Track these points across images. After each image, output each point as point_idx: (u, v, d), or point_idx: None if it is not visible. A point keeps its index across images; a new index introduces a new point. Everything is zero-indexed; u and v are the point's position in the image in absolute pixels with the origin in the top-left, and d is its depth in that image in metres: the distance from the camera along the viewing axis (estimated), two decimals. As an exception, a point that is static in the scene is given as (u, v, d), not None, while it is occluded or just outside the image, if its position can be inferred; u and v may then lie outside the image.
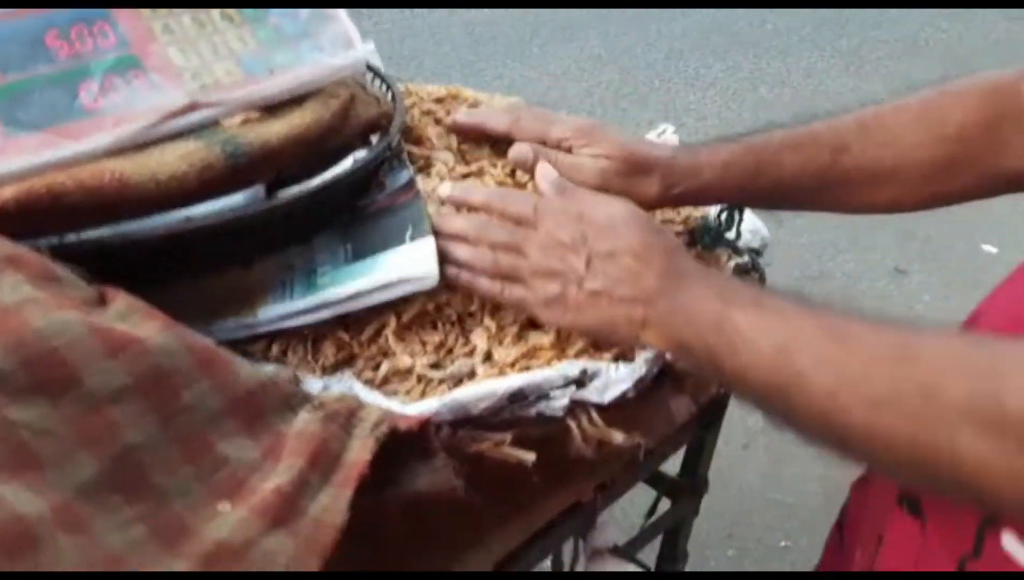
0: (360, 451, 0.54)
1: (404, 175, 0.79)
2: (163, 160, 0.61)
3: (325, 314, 0.67)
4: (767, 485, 1.85)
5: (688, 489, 0.92)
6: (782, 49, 3.83)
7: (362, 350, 0.69)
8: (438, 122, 0.88)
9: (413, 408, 0.61)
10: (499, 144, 0.84)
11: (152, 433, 0.50)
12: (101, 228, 0.59)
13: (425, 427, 0.57)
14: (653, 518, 0.96)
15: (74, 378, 0.48)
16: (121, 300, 0.54)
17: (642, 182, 0.76)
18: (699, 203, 0.84)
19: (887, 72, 3.65)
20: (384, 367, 0.67)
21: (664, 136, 0.96)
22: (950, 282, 2.58)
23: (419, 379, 0.67)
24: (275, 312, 0.67)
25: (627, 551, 0.87)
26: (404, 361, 0.68)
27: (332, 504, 0.51)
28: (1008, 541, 0.55)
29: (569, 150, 0.78)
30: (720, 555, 1.72)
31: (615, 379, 0.64)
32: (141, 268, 0.62)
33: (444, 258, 0.69)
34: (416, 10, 3.96)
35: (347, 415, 0.55)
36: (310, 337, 0.68)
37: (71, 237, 0.59)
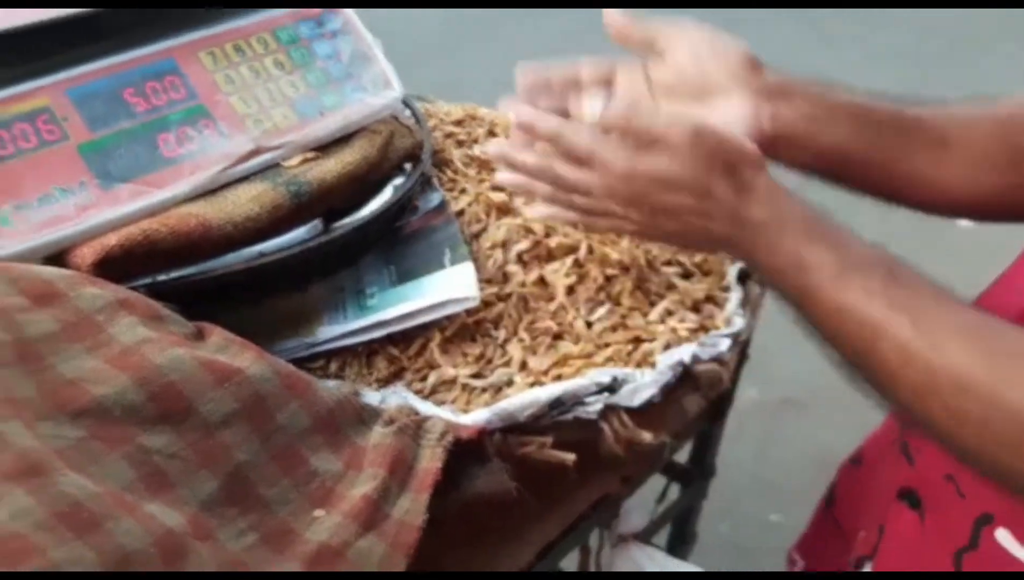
0: (431, 459, 0.62)
1: (435, 197, 0.86)
2: (237, 202, 0.68)
3: (378, 333, 0.75)
4: (759, 465, 1.94)
5: (698, 475, 1.00)
6: (756, 21, 3.86)
7: (411, 363, 0.76)
8: (460, 144, 0.95)
9: (468, 418, 0.69)
10: None
11: (255, 451, 0.58)
12: (187, 267, 0.67)
13: (482, 435, 0.65)
14: (664, 502, 1.04)
15: (191, 407, 0.56)
16: (217, 334, 0.61)
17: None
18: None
19: (863, 43, 3.70)
20: (431, 378, 0.75)
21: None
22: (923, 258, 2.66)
23: (463, 388, 0.75)
24: (333, 332, 0.75)
25: (643, 535, 0.95)
26: (448, 372, 0.75)
27: (412, 507, 0.59)
28: (1002, 536, 0.62)
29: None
30: (716, 528, 1.82)
31: (643, 385, 0.73)
32: (218, 298, 0.69)
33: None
34: (387, -7, 3.96)
35: (415, 428, 0.63)
36: (364, 353, 0.76)
37: (161, 277, 0.66)
